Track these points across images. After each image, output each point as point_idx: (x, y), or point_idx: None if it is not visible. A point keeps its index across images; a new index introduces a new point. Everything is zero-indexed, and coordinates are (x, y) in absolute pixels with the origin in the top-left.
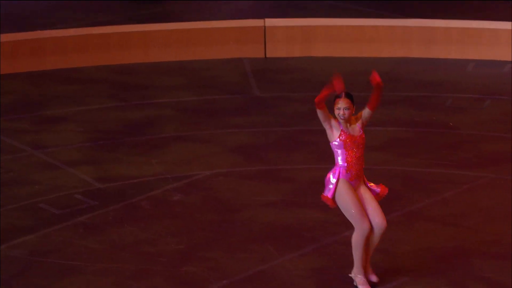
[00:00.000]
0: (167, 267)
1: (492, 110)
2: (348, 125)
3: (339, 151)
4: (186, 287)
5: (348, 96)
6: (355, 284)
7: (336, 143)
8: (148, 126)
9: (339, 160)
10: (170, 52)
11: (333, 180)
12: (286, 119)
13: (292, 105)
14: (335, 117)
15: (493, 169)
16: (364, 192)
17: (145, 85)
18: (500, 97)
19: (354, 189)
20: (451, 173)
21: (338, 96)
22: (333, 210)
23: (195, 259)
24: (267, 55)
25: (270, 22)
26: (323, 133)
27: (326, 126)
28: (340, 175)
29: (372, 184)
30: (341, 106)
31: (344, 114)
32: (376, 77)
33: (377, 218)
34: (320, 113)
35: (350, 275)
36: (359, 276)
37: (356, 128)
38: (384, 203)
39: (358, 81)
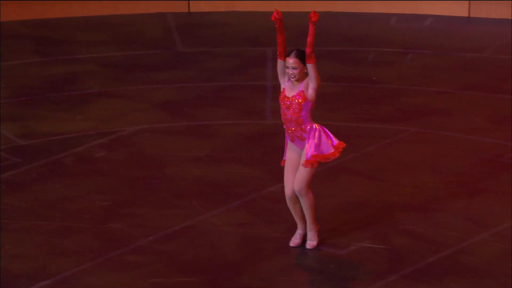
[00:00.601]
0: (92, 224)
1: (414, 64)
2: (292, 85)
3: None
4: (112, 244)
5: (298, 55)
6: None
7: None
8: (71, 82)
9: None
10: (92, 6)
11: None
12: (210, 74)
13: (216, 60)
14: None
15: (414, 122)
16: (303, 155)
17: (67, 40)
18: (422, 51)
19: (298, 151)
20: (373, 127)
21: (288, 55)
22: (258, 166)
23: (121, 216)
24: (191, 10)
25: None
26: (246, 88)
27: (280, 80)
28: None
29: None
30: (289, 65)
31: (292, 73)
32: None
33: (294, 183)
34: (278, 63)
35: None
36: (296, 232)
37: (295, 89)
38: None
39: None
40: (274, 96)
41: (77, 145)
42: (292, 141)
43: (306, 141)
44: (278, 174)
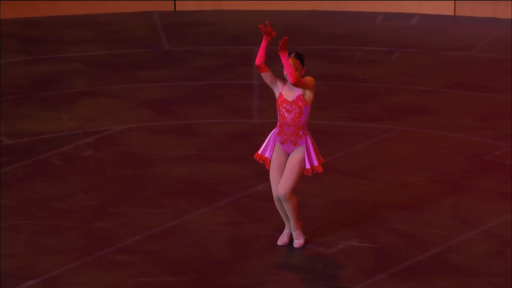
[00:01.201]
0: (79, 223)
1: (400, 62)
2: (288, 88)
3: (278, 114)
4: (99, 243)
5: (298, 56)
6: None
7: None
8: (57, 80)
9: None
10: (78, 5)
11: (267, 139)
12: (196, 73)
13: (202, 59)
14: (282, 78)
15: (400, 121)
16: (290, 159)
17: (53, 39)
18: (408, 50)
19: (285, 153)
20: (361, 125)
21: (288, 56)
22: (245, 165)
23: (107, 215)
24: (177, 9)
25: None
26: (232, 87)
27: (273, 89)
28: (273, 136)
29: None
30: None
31: None
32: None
33: (279, 187)
34: (264, 76)
35: None
36: (284, 231)
37: (294, 92)
38: None
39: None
40: (260, 95)
41: (64, 144)
42: (282, 143)
43: (305, 149)
44: (265, 173)
